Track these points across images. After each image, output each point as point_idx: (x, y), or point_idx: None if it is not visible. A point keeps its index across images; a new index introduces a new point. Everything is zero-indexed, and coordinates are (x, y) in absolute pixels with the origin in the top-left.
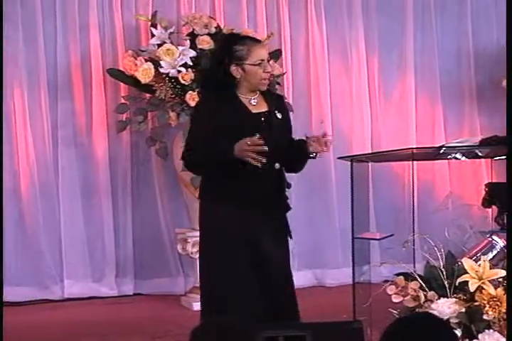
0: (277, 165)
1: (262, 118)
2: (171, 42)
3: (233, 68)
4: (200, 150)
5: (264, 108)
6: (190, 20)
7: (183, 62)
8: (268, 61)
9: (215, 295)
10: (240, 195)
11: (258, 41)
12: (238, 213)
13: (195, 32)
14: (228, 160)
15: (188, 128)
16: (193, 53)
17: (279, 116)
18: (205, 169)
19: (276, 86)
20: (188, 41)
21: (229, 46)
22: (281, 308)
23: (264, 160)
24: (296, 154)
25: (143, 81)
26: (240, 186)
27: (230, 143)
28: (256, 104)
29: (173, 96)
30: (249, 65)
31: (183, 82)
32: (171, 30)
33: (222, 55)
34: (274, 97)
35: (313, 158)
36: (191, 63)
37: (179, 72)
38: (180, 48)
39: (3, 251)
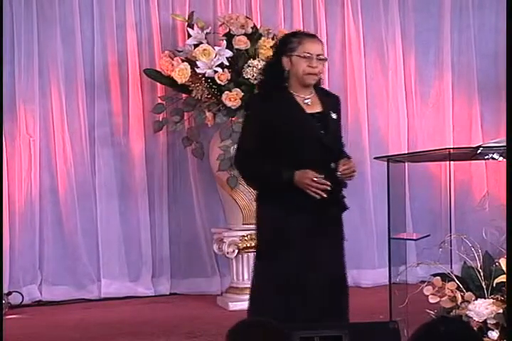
0: (333, 165)
1: (318, 119)
2: (208, 43)
3: (285, 60)
4: (255, 165)
5: (318, 108)
6: (227, 21)
7: (220, 62)
8: (322, 60)
9: (269, 296)
10: (298, 196)
11: (312, 36)
12: (295, 214)
13: (231, 32)
14: (284, 183)
15: (241, 128)
16: (229, 53)
17: (334, 116)
18: (258, 182)
19: None
20: (225, 41)
21: (285, 39)
22: (337, 309)
23: (325, 195)
24: None
25: (179, 81)
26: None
27: (284, 150)
28: (310, 104)
29: (209, 96)
30: (297, 56)
31: (219, 82)
32: (208, 30)
33: (278, 50)
34: (330, 97)
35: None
36: (228, 63)
37: (215, 72)
38: (217, 48)
39: (3, 251)
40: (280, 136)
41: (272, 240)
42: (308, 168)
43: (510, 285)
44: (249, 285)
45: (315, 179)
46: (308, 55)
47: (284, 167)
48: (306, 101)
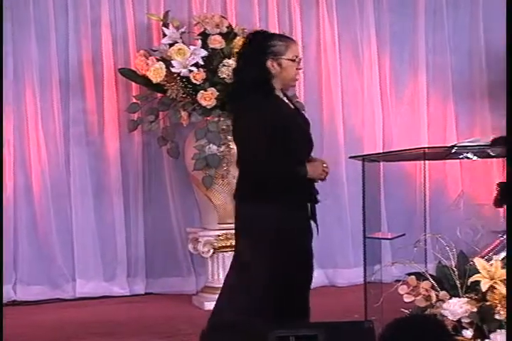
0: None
1: (299, 117)
2: (183, 42)
3: (269, 63)
4: (273, 164)
5: (291, 106)
6: (202, 20)
7: (195, 61)
8: (299, 60)
9: (267, 294)
10: (297, 195)
11: (293, 39)
12: (294, 213)
13: (206, 31)
14: (300, 178)
15: (249, 134)
16: (204, 53)
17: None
18: (273, 183)
19: None
20: (200, 41)
21: (265, 42)
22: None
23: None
24: None
25: (154, 80)
26: (289, 187)
27: (283, 146)
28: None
29: (184, 95)
30: (286, 59)
31: (194, 81)
32: (183, 29)
33: (258, 51)
34: (288, 96)
35: None
36: (203, 63)
37: (191, 71)
38: (192, 48)
39: (3, 250)
40: (281, 133)
41: (275, 239)
42: (300, 161)
43: (510, 286)
44: None
45: (324, 165)
46: (295, 58)
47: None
48: (284, 99)
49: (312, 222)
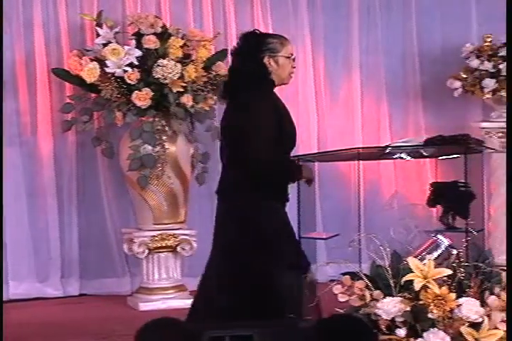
0: None
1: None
2: (117, 42)
3: (266, 59)
4: (269, 165)
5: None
6: (136, 20)
7: (129, 61)
8: (294, 58)
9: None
10: (286, 190)
11: (286, 37)
12: (283, 207)
13: (141, 31)
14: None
15: (252, 127)
16: (138, 53)
17: None
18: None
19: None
20: (134, 41)
21: (262, 39)
22: None
23: None
24: None
25: (88, 80)
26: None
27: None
28: None
29: (119, 95)
30: (283, 56)
31: (129, 81)
32: (117, 29)
33: (255, 49)
34: None
35: None
36: (137, 63)
37: (125, 71)
38: (126, 48)
39: (3, 250)
40: (281, 129)
41: (280, 233)
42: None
43: (510, 286)
44: (160, 285)
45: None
46: (291, 55)
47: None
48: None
49: None
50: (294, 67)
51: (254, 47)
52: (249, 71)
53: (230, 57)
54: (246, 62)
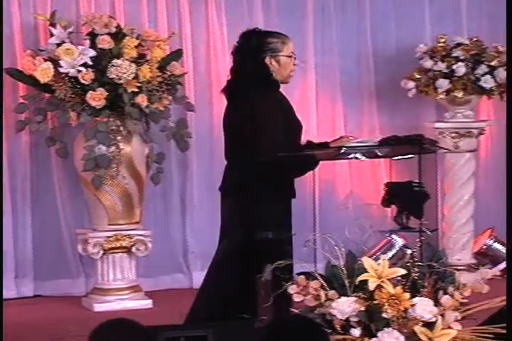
0: None
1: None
2: (71, 42)
3: (267, 59)
4: (280, 164)
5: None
6: (90, 20)
7: (83, 61)
8: (295, 56)
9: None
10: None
11: (287, 35)
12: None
13: (95, 31)
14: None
15: (266, 127)
16: (93, 53)
17: None
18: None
19: (178, 86)
20: (88, 41)
21: (262, 39)
22: None
23: None
24: None
25: (42, 80)
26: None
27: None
28: None
29: (73, 95)
30: (284, 56)
31: (83, 81)
32: (71, 29)
33: (256, 49)
34: None
35: None
36: (91, 63)
37: (79, 71)
38: (80, 48)
39: (3, 250)
40: (291, 127)
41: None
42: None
43: (510, 286)
44: (114, 286)
45: None
46: (292, 54)
47: None
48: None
49: None
50: (295, 65)
51: (255, 47)
52: (251, 72)
53: (184, 58)
54: (247, 62)
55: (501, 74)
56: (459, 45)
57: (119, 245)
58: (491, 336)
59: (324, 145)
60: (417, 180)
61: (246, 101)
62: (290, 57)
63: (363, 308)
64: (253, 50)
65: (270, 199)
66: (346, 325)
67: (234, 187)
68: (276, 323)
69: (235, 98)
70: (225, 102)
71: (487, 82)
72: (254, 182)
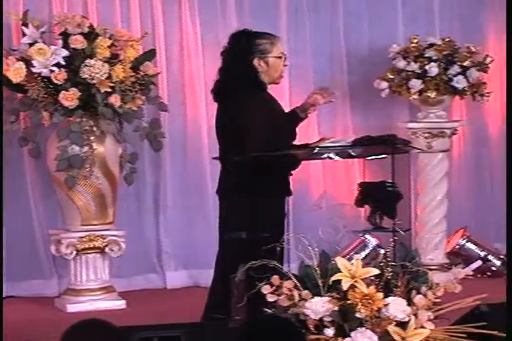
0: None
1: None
2: (43, 42)
3: (256, 61)
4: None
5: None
6: (63, 20)
7: (56, 61)
8: (285, 57)
9: None
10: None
11: (276, 36)
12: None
13: (67, 31)
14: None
15: (250, 128)
16: (65, 53)
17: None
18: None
19: (151, 86)
20: (61, 41)
21: (251, 40)
22: None
23: None
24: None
25: (14, 80)
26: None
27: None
28: None
29: (45, 96)
30: (273, 57)
31: (55, 81)
32: (43, 29)
33: (245, 50)
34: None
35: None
36: (64, 63)
37: (52, 71)
38: (53, 48)
39: (3, 249)
40: (277, 127)
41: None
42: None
43: (509, 286)
44: (87, 287)
45: None
46: (281, 55)
47: None
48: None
49: None
50: (286, 66)
51: (244, 48)
52: (239, 73)
53: (157, 58)
54: (235, 63)
55: (473, 74)
56: (431, 45)
57: (92, 245)
58: (463, 335)
59: (305, 146)
60: (390, 180)
61: (234, 103)
62: (280, 58)
63: (336, 308)
64: (242, 52)
65: (263, 199)
66: (320, 325)
67: (226, 188)
68: (249, 323)
69: (224, 99)
70: (198, 102)
71: (459, 82)
72: (240, 184)
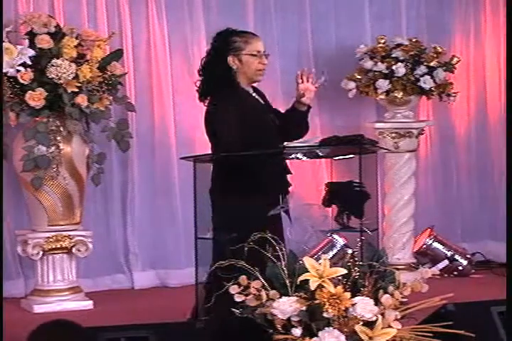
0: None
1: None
2: (9, 41)
3: (230, 59)
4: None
5: (261, 101)
6: (29, 19)
7: (22, 61)
8: (266, 56)
9: None
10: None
11: (254, 34)
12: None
13: (34, 31)
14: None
15: (220, 128)
16: (32, 53)
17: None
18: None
19: (118, 86)
20: (27, 40)
21: (227, 38)
22: None
23: None
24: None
25: None
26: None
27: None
28: (257, 97)
29: (12, 96)
30: (246, 54)
31: (22, 81)
32: (9, 28)
33: (221, 48)
34: (259, 92)
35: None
36: (30, 63)
37: (18, 71)
38: (19, 47)
39: (3, 249)
40: (251, 125)
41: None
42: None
43: (509, 286)
44: (55, 287)
45: None
46: (257, 53)
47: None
48: (253, 95)
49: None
50: (265, 64)
51: (221, 46)
52: (213, 72)
53: (125, 57)
54: (211, 62)
55: (440, 74)
56: (398, 45)
57: (59, 246)
58: (430, 335)
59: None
60: (357, 180)
61: (210, 102)
62: (254, 55)
63: (304, 308)
64: (218, 50)
65: (246, 199)
66: (287, 325)
67: (212, 188)
68: (217, 324)
69: (204, 99)
70: (165, 102)
71: (426, 83)
72: (222, 183)
